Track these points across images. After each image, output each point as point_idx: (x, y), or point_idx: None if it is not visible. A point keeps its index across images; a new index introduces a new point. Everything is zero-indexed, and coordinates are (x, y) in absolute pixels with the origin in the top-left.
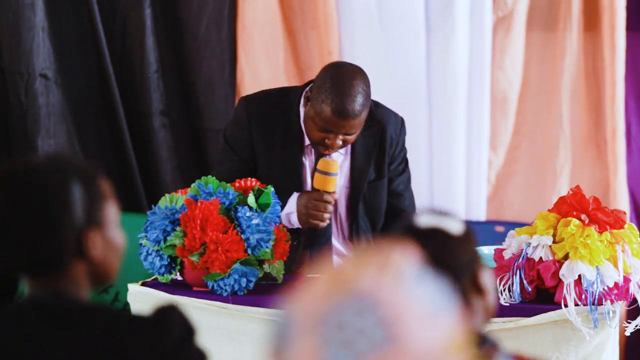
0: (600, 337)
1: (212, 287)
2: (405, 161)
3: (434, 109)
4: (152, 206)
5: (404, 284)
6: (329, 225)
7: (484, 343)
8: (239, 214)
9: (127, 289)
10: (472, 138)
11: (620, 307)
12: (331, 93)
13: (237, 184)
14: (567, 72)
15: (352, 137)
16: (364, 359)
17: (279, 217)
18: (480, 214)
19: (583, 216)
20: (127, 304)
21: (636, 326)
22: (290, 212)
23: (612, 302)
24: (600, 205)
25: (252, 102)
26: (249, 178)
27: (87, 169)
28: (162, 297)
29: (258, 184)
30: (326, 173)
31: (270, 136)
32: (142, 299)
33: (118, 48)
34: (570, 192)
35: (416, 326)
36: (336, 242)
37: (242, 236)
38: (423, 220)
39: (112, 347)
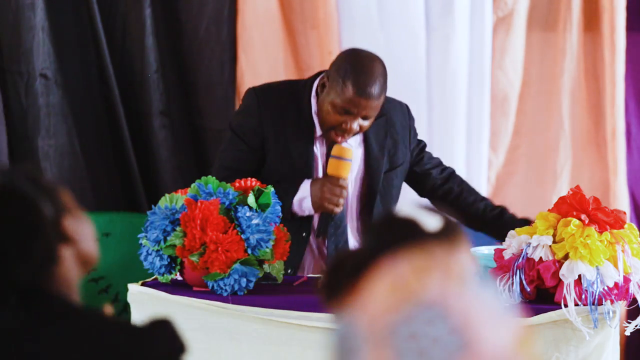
0: (600, 337)
1: (212, 287)
2: (420, 141)
3: (434, 109)
4: (152, 206)
5: (469, 290)
6: (343, 214)
7: None
8: (239, 214)
9: (127, 289)
10: (472, 138)
11: (620, 307)
12: (353, 74)
13: (237, 184)
14: (567, 72)
15: (367, 123)
16: None
17: (279, 217)
18: None
19: (583, 216)
20: (127, 304)
21: (636, 326)
22: (303, 197)
23: (612, 302)
24: (600, 205)
25: (262, 92)
26: (249, 178)
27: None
28: (162, 297)
29: (258, 184)
30: (341, 158)
31: (281, 125)
32: (142, 299)
33: (118, 48)
34: (570, 192)
35: (486, 330)
36: (350, 235)
37: (242, 236)
38: (402, 210)
39: (94, 352)
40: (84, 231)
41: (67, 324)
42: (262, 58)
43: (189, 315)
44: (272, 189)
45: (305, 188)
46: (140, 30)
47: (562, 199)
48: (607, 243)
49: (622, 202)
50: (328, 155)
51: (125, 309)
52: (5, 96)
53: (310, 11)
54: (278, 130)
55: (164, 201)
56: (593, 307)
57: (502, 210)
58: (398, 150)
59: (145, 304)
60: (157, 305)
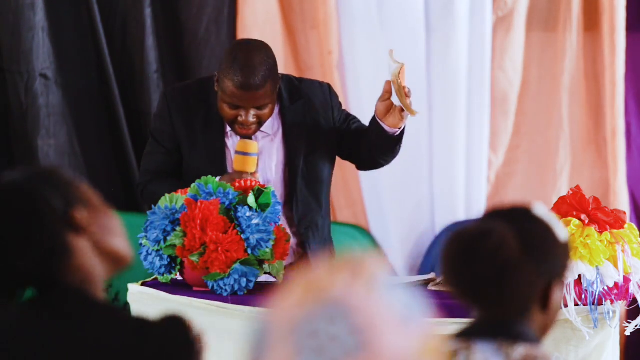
0: (600, 337)
1: (212, 287)
2: (349, 115)
3: (434, 109)
4: (152, 206)
5: (376, 291)
6: None
7: (537, 343)
8: (239, 214)
9: (127, 289)
10: (472, 138)
11: (620, 307)
12: (232, 68)
13: (237, 184)
14: (567, 72)
15: (264, 112)
16: None
17: (279, 217)
18: (480, 214)
19: (583, 216)
20: (127, 304)
21: (636, 326)
22: None
23: (612, 302)
24: (600, 205)
25: (171, 94)
26: (249, 178)
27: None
28: (162, 297)
29: (258, 184)
30: (245, 153)
31: (191, 124)
32: (142, 299)
33: (118, 48)
34: (570, 192)
35: (388, 333)
36: None
37: (242, 236)
38: (539, 209)
39: (116, 350)
40: (106, 224)
41: (78, 318)
42: None
43: (189, 316)
44: (272, 189)
45: None
46: (140, 30)
47: (562, 199)
48: (607, 243)
49: (622, 202)
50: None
51: (125, 308)
52: (5, 96)
53: (310, 11)
54: (189, 130)
55: (164, 201)
56: (593, 307)
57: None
58: (320, 131)
59: (145, 304)
60: (157, 305)
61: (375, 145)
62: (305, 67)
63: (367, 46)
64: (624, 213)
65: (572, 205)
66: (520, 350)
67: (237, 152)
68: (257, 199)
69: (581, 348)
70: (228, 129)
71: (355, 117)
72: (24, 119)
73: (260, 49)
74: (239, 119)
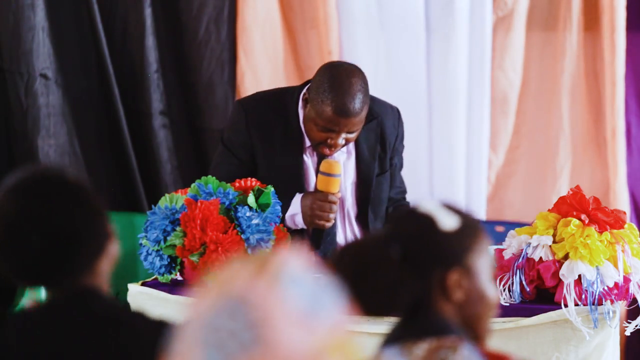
0: (600, 337)
1: None
2: (401, 156)
3: (434, 109)
4: (152, 206)
5: (278, 286)
6: (334, 224)
7: (447, 333)
8: (239, 214)
9: (127, 289)
10: (472, 138)
11: (620, 307)
12: (331, 93)
13: (237, 184)
14: (567, 72)
15: (353, 136)
16: None
17: (279, 217)
18: (480, 214)
19: (583, 216)
20: (127, 304)
21: (636, 326)
22: (295, 213)
23: (612, 302)
24: (600, 205)
25: (248, 106)
26: (249, 178)
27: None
28: (162, 297)
29: (258, 184)
30: (329, 174)
31: (269, 139)
32: (142, 299)
33: (118, 48)
34: (570, 192)
35: (287, 328)
36: (343, 241)
37: (242, 236)
38: (424, 205)
39: (152, 350)
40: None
41: (121, 327)
42: (262, 58)
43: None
44: (272, 189)
45: (296, 204)
46: (140, 30)
47: (562, 199)
48: (607, 243)
49: (622, 202)
50: (318, 166)
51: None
52: (5, 96)
53: (310, 11)
54: (267, 144)
55: (164, 201)
56: (593, 307)
57: None
58: (387, 152)
59: (145, 304)
60: (157, 306)
61: None
62: (305, 67)
63: (367, 46)
64: (624, 213)
65: (572, 205)
66: (423, 345)
67: (321, 173)
68: (257, 199)
69: (581, 348)
70: (307, 143)
71: (400, 158)
72: (24, 119)
73: (357, 73)
74: (329, 141)
